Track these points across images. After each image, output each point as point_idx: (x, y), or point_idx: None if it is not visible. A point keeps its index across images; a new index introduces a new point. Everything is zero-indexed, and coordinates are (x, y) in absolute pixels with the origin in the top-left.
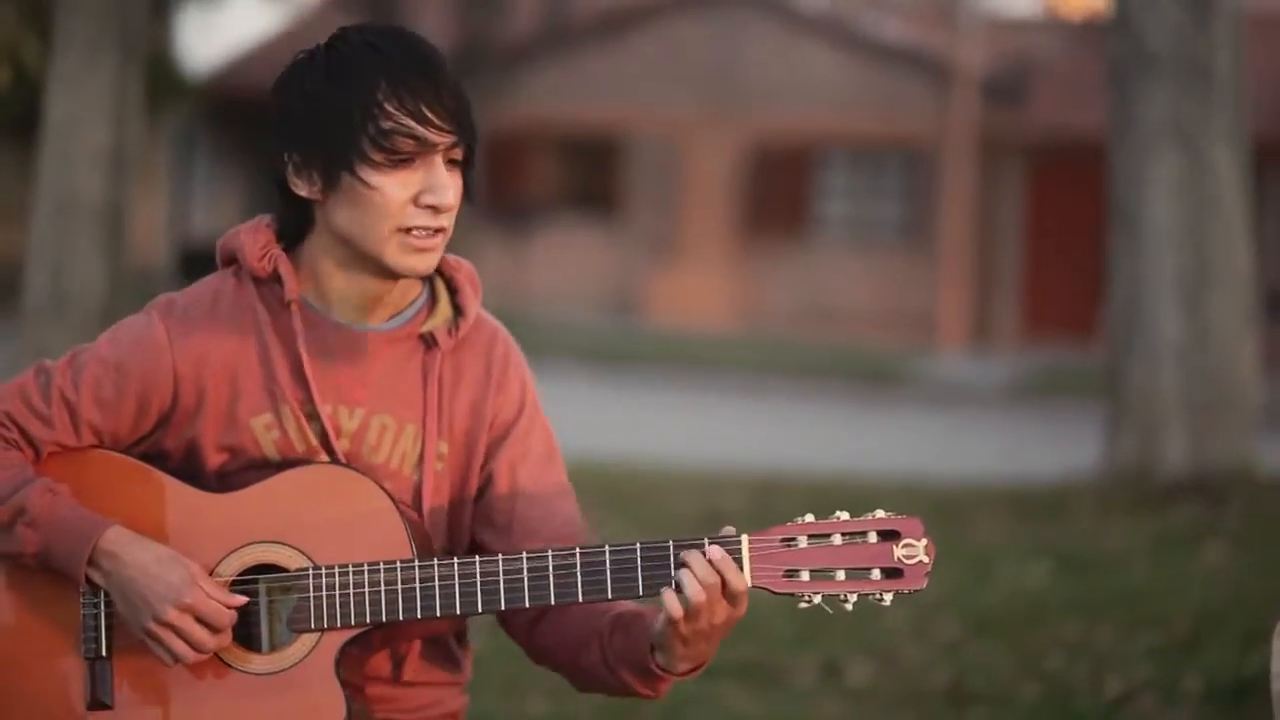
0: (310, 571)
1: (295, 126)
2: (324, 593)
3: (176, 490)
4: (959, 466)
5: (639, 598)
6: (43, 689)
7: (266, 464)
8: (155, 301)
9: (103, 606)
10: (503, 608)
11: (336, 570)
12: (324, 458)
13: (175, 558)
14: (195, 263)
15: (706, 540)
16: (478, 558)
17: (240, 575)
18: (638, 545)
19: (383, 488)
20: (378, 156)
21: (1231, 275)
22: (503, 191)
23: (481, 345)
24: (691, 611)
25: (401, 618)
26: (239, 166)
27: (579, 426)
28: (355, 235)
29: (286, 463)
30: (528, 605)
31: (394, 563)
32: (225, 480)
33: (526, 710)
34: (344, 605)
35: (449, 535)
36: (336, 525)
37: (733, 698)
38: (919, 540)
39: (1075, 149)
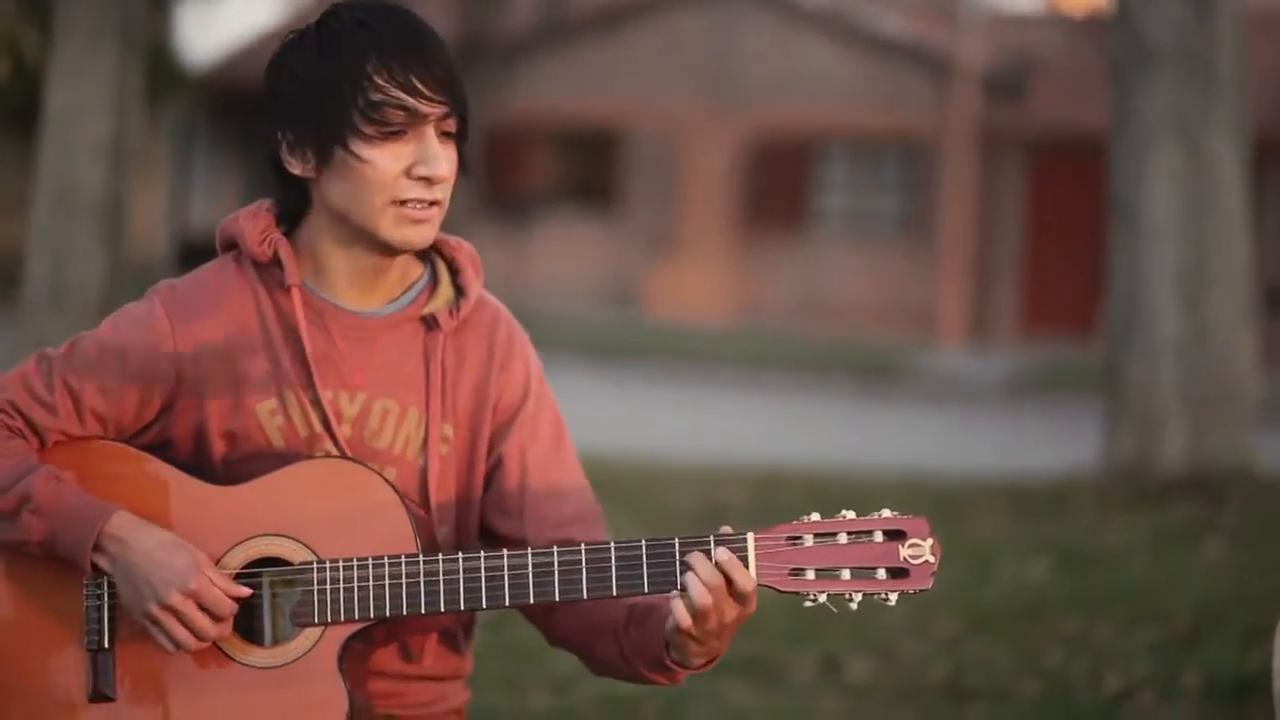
0: (314, 565)
1: (287, 105)
2: (328, 586)
3: (181, 482)
4: (958, 462)
5: (644, 595)
6: (44, 680)
7: (271, 451)
8: (156, 287)
9: (106, 598)
10: (507, 604)
11: (340, 564)
12: (327, 444)
13: (180, 544)
14: (195, 254)
15: (712, 539)
16: (482, 553)
17: (244, 568)
18: (643, 543)
19: (388, 481)
20: (369, 129)
21: (1231, 271)
22: (502, 185)
23: (484, 326)
24: (699, 615)
25: (405, 612)
26: (238, 159)
27: (578, 420)
28: (350, 210)
29: (291, 454)
30: (532, 601)
31: (398, 557)
32: (230, 471)
33: (528, 705)
34: (348, 599)
35: (457, 520)
36: (341, 519)
37: (733, 693)
38: (925, 540)
39: (1075, 144)
